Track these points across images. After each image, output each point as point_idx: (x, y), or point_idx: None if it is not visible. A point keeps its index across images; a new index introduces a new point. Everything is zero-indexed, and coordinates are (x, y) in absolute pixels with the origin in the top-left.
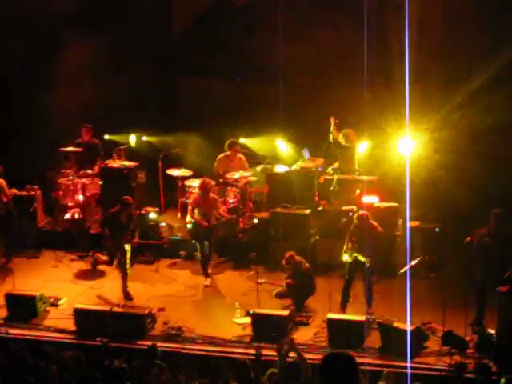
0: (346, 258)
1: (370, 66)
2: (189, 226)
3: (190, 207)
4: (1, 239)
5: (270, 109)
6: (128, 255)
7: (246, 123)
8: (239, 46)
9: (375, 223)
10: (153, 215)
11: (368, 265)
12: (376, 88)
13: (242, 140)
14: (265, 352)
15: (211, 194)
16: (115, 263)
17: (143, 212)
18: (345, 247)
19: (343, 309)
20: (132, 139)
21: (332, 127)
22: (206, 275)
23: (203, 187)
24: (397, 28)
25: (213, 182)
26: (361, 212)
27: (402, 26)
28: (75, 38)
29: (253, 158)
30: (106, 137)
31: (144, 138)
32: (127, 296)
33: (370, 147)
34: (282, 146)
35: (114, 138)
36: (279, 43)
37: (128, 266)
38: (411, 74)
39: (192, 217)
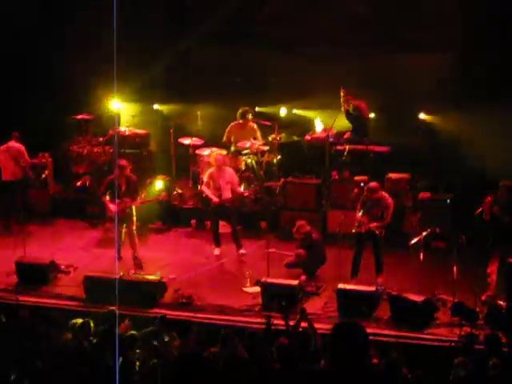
0: (356, 228)
1: None
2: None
3: (204, 180)
4: (16, 204)
5: (281, 78)
6: (134, 219)
7: (258, 92)
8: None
9: (386, 193)
10: (160, 184)
11: (378, 235)
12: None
13: (257, 109)
14: (274, 321)
15: (228, 169)
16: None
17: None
18: (355, 217)
19: (353, 279)
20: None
21: (342, 98)
22: (216, 244)
23: (218, 162)
24: None
25: (225, 155)
26: (371, 183)
27: None
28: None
29: (266, 127)
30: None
31: (156, 106)
32: (137, 263)
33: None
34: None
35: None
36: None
37: (135, 231)
38: None
39: (203, 191)
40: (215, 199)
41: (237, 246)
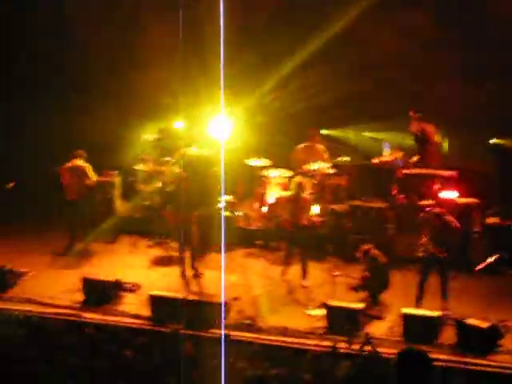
0: (422, 252)
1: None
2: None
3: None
4: (80, 224)
5: (350, 102)
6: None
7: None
8: None
9: (451, 218)
10: (221, 204)
11: (443, 261)
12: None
13: (324, 131)
14: (339, 345)
15: (304, 195)
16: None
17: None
18: (421, 242)
19: (418, 304)
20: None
21: (411, 120)
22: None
23: (296, 188)
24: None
25: (303, 181)
26: (436, 209)
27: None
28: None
29: (334, 150)
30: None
31: None
32: (196, 273)
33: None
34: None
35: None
36: None
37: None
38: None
39: (280, 215)
40: (289, 227)
41: (303, 276)
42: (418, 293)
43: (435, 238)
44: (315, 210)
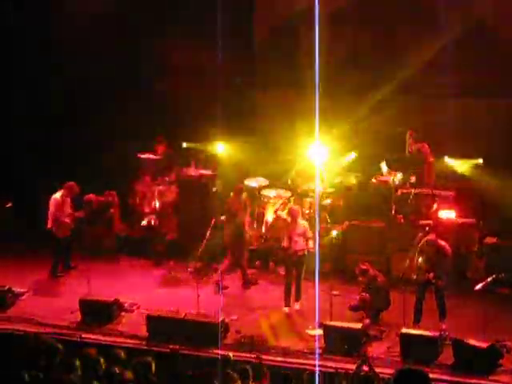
0: (416, 275)
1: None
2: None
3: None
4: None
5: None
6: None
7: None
8: None
9: (443, 243)
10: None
11: (437, 284)
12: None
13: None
14: (337, 365)
15: (301, 221)
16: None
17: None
18: (415, 264)
19: (415, 325)
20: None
21: (408, 140)
22: (286, 303)
23: (293, 214)
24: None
25: (298, 208)
26: (428, 237)
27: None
28: None
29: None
30: (184, 145)
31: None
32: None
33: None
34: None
35: (192, 145)
36: None
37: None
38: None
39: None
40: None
41: (296, 298)
42: (414, 315)
43: (428, 262)
44: (334, 233)
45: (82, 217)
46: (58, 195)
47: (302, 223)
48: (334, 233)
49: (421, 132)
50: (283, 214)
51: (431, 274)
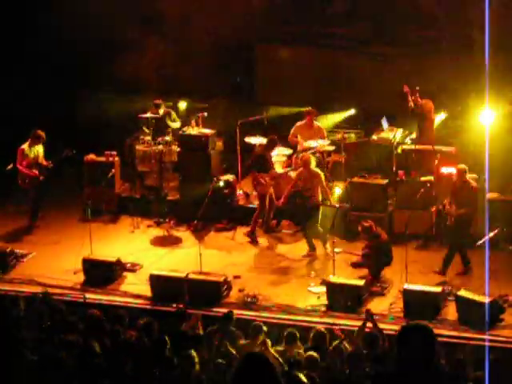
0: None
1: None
2: None
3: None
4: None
5: (344, 79)
6: None
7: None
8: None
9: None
10: (221, 183)
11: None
12: (458, 57)
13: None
14: (340, 322)
15: (315, 169)
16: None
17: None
18: (449, 211)
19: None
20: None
21: (408, 95)
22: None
23: (307, 163)
24: None
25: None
26: (459, 166)
27: None
28: None
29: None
30: (183, 104)
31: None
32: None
33: (447, 118)
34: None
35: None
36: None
37: None
38: (494, 42)
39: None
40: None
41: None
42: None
43: (457, 200)
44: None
45: (50, 167)
46: (23, 145)
47: (316, 171)
48: (338, 190)
49: None
50: (290, 170)
51: (462, 210)
